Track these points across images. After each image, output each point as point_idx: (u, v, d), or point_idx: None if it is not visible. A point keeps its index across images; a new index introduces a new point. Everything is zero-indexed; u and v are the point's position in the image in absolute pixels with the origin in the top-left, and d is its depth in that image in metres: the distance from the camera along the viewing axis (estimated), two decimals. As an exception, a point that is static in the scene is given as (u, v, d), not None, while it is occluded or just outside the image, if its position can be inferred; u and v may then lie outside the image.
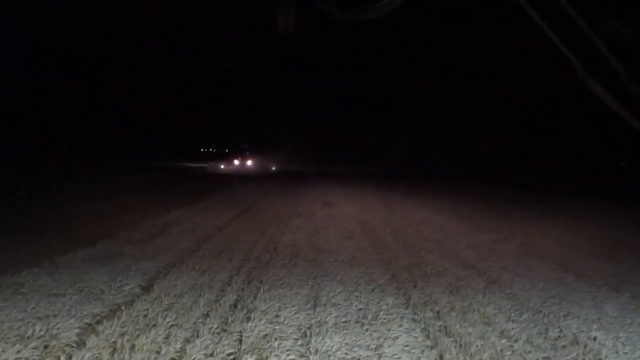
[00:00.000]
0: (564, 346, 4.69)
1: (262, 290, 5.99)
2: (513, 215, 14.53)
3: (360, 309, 5.40)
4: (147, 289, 5.92)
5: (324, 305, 5.53)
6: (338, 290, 6.08)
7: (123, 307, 5.19)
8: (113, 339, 4.34)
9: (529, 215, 14.94)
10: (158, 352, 4.16)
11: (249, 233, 9.98)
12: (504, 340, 4.70)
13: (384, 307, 5.52)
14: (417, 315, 5.38)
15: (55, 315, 4.82)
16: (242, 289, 6.10)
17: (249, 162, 50.69)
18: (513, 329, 5.03)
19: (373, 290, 6.21)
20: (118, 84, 59.36)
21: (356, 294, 5.98)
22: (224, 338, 4.50)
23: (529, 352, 4.49)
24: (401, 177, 38.98)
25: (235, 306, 5.45)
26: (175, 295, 5.69)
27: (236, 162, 50.59)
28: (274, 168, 50.70)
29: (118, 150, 59.76)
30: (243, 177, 33.66)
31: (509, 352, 4.45)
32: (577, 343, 4.75)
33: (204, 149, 70.01)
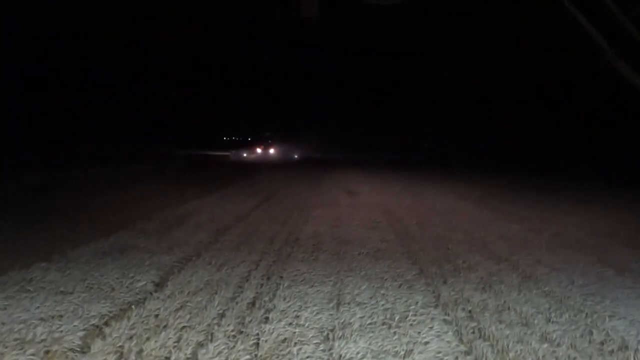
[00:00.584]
0: (612, 351, 4.25)
1: (282, 287, 5.61)
2: (543, 204, 14.00)
3: (387, 309, 4.98)
4: (160, 285, 5.59)
5: (348, 304, 5.14)
6: (363, 287, 5.68)
7: (133, 307, 4.85)
8: (120, 343, 4.00)
9: (560, 203, 14.38)
10: (167, 359, 3.81)
11: (270, 223, 9.61)
12: (545, 345, 4.26)
13: (412, 306, 5.11)
14: (449, 315, 4.96)
15: (60, 316, 4.50)
16: (261, 285, 5.73)
17: (272, 151, 50.85)
18: (554, 331, 4.58)
19: (400, 286, 5.80)
20: (142, 73, 59.74)
21: (382, 291, 5.58)
22: (239, 342, 4.13)
23: (574, 358, 4.06)
24: (424, 165, 38.36)
25: (253, 305, 5.09)
26: (189, 292, 5.34)
27: (259, 150, 50.84)
28: (296, 156, 50.31)
29: (144, 139, 60.23)
30: (265, 165, 33.44)
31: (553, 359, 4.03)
32: (627, 348, 4.29)
33: (226, 138, 70.20)
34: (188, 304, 4.99)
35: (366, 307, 5.04)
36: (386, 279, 6.05)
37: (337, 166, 33.91)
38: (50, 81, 51.84)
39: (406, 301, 5.24)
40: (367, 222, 10.10)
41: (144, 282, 5.57)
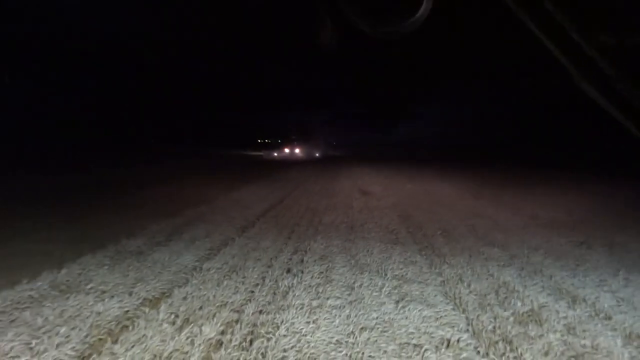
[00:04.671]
0: None
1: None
2: (574, 203, 11.01)
3: None
4: (73, 371, 2.91)
5: None
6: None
7: None
8: None
9: (589, 201, 11.41)
10: None
11: (275, 236, 6.85)
12: None
13: None
14: None
15: None
16: (233, 367, 3.01)
17: (297, 150, 52.83)
18: None
19: (449, 367, 3.02)
20: (198, 87, 63.09)
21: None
22: None
23: None
24: (430, 159, 35.33)
25: None
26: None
27: (287, 150, 53.17)
28: (317, 154, 50.22)
29: (196, 140, 62.63)
30: (289, 162, 30.89)
31: None
32: None
33: (260, 140, 72.11)
34: None
35: None
36: (426, 350, 3.28)
37: (351, 163, 31.10)
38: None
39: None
40: (384, 232, 7.29)
41: (43, 370, 2.88)
